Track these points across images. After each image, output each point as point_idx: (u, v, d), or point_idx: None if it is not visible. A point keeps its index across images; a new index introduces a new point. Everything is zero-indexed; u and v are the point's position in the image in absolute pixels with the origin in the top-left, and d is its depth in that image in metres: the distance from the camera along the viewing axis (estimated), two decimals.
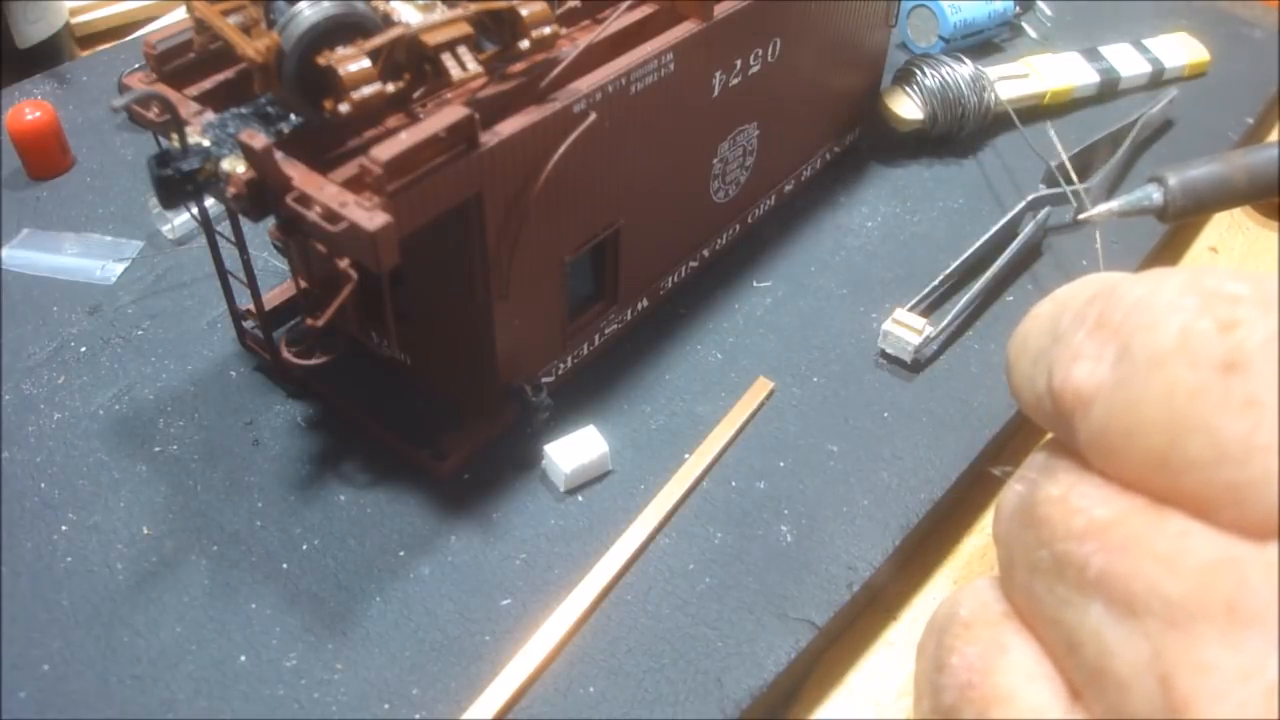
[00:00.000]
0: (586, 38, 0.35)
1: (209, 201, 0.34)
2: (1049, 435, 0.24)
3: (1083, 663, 0.20)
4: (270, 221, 0.31)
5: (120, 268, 0.47)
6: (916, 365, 0.43)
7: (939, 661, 0.23)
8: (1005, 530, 0.23)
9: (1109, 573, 0.19)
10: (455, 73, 0.31)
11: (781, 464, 0.39)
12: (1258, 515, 0.18)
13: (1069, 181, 0.48)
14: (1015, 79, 0.58)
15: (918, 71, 0.55)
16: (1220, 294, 0.20)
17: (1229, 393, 0.19)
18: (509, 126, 0.32)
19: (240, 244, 0.37)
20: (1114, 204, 0.42)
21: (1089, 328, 0.21)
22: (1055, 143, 0.49)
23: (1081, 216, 0.44)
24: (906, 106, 0.54)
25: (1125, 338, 0.20)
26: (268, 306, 0.41)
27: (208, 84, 0.34)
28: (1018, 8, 0.65)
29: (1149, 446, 0.19)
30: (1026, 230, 0.48)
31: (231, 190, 0.30)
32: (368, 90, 0.30)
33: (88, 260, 0.47)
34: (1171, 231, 0.53)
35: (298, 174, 0.30)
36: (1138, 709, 0.19)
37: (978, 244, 0.48)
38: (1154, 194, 0.40)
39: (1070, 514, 0.21)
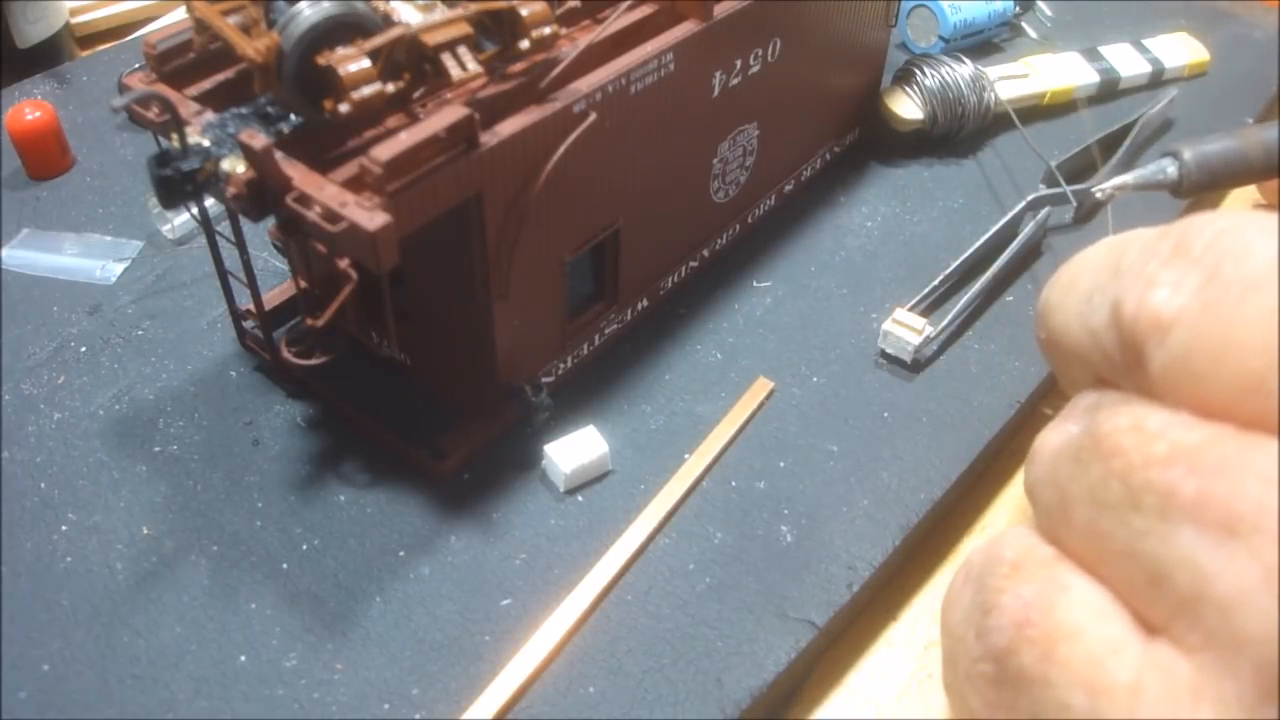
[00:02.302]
0: (586, 38, 0.35)
1: (209, 201, 0.34)
2: (1085, 387, 0.23)
3: (1171, 593, 0.19)
4: (270, 221, 0.31)
5: (120, 268, 0.47)
6: (916, 365, 0.43)
7: (985, 605, 0.22)
8: (1052, 473, 0.22)
9: (1205, 495, 0.19)
10: (455, 73, 0.31)
11: (781, 464, 0.39)
12: None
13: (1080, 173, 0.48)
14: (1015, 79, 0.58)
15: (918, 71, 0.55)
16: None
17: None
18: (509, 126, 0.32)
19: (240, 244, 0.37)
20: (1128, 177, 0.41)
21: (1163, 258, 0.21)
22: (1091, 118, 0.48)
23: (1096, 189, 0.44)
24: (906, 106, 0.54)
25: (1211, 264, 0.20)
26: (268, 306, 0.41)
27: (208, 84, 0.34)
28: (1018, 8, 0.65)
29: (1243, 370, 0.19)
30: (1026, 230, 0.48)
31: (231, 190, 0.30)
32: (368, 90, 0.30)
33: (88, 260, 0.47)
34: None
35: (298, 174, 0.30)
36: (1249, 629, 0.18)
37: (978, 244, 0.48)
38: (1169, 168, 0.40)
39: (1149, 440, 0.20)
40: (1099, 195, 0.43)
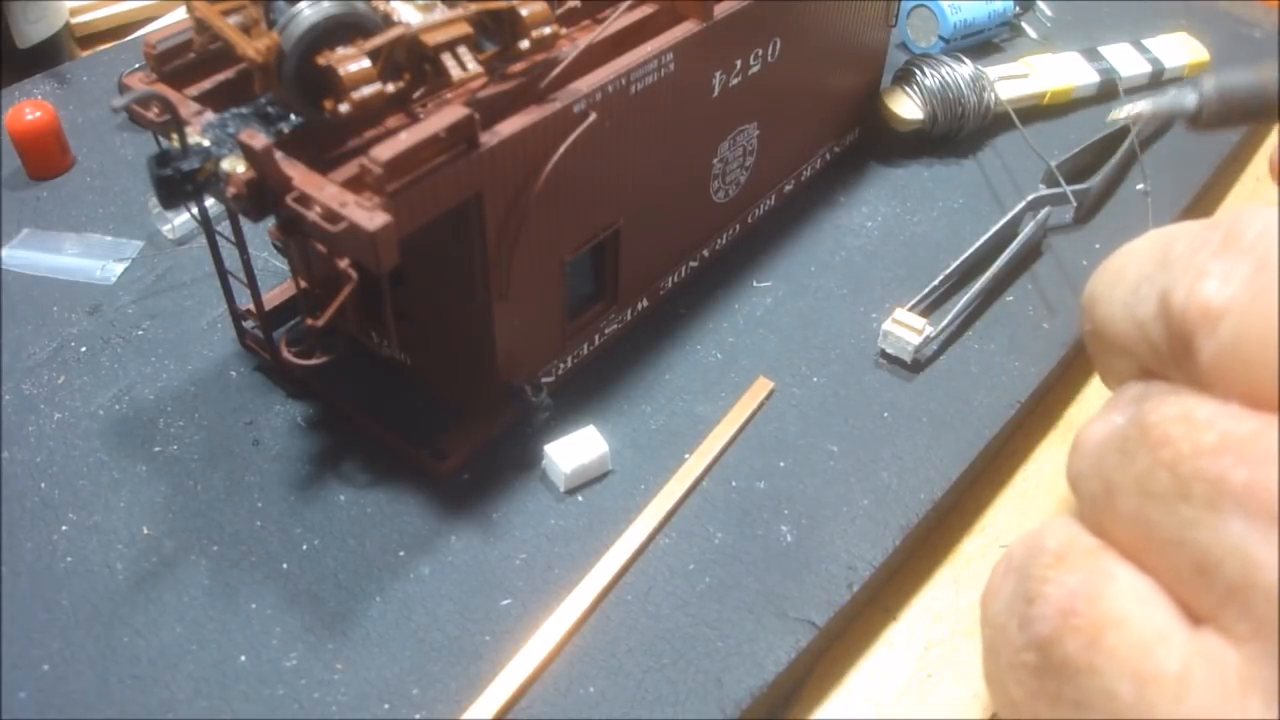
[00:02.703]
0: (586, 38, 0.35)
1: (209, 201, 0.34)
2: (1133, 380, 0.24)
3: (1219, 582, 0.19)
4: (270, 221, 0.31)
5: (120, 268, 0.47)
6: (916, 365, 0.43)
7: (1028, 595, 0.22)
8: (1096, 464, 0.22)
9: (1255, 484, 0.18)
10: (455, 73, 0.31)
11: (781, 464, 0.39)
12: None
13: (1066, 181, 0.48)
14: (1015, 79, 0.58)
15: (918, 71, 0.55)
16: None
17: None
18: (509, 126, 0.32)
19: (240, 244, 0.37)
20: (1146, 104, 0.41)
21: (1213, 249, 0.21)
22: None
23: (1111, 117, 0.44)
24: (906, 106, 0.54)
25: (1262, 253, 0.20)
26: (268, 306, 0.41)
27: (208, 84, 0.34)
28: (1018, 8, 0.65)
29: None
30: (1026, 230, 0.48)
31: (231, 190, 0.30)
32: (368, 90, 0.30)
33: (88, 260, 0.47)
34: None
35: (298, 174, 0.30)
36: None
37: (978, 244, 0.48)
38: (1188, 97, 0.39)
39: (1198, 430, 0.20)
40: (1119, 117, 0.42)
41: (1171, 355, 0.21)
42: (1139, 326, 0.22)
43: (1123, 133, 0.55)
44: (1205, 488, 0.19)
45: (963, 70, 0.54)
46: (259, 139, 0.29)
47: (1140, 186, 0.42)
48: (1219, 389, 0.20)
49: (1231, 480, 0.19)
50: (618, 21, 0.37)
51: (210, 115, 0.32)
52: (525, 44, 0.33)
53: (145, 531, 0.36)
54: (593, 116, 0.34)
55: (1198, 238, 0.21)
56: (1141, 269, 0.23)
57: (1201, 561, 0.19)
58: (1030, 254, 0.49)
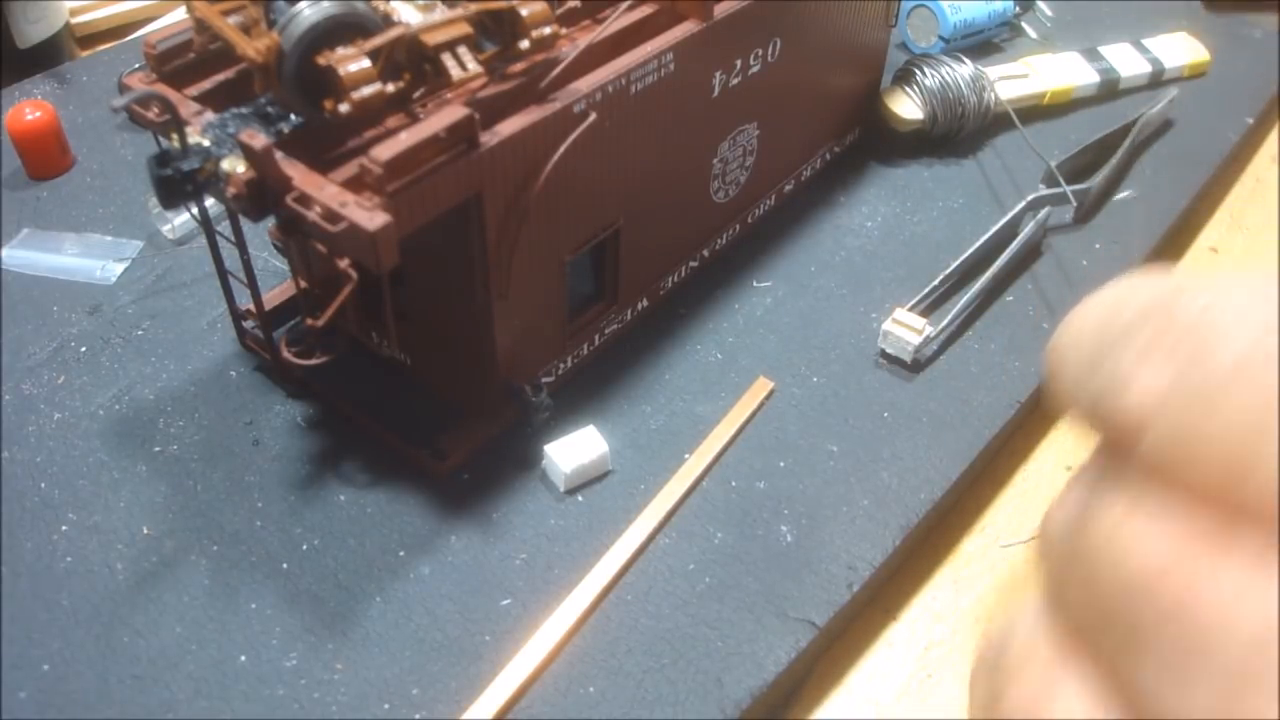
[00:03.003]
0: (586, 38, 0.35)
1: (209, 201, 0.34)
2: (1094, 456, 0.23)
3: (1149, 704, 0.18)
4: (270, 221, 0.31)
5: (120, 268, 0.47)
6: (916, 365, 0.43)
7: (994, 694, 0.23)
8: (1057, 547, 0.21)
9: (1167, 621, 0.17)
10: (455, 73, 0.31)
11: (781, 464, 0.39)
12: None
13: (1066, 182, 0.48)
14: (1015, 79, 0.58)
15: (918, 71, 0.55)
16: None
17: None
18: (509, 126, 0.32)
19: (240, 244, 0.37)
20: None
21: (1153, 334, 0.19)
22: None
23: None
24: (906, 106, 0.54)
25: (1190, 349, 0.18)
26: (268, 306, 0.41)
27: (208, 84, 0.34)
28: (1018, 8, 0.65)
29: (1215, 467, 0.17)
30: (1026, 230, 0.48)
31: (231, 190, 0.30)
32: (368, 90, 0.30)
33: (88, 260, 0.47)
34: (1171, 231, 0.53)
35: (298, 174, 0.30)
36: None
37: (978, 244, 0.48)
38: None
39: (1126, 550, 0.19)
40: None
41: (1121, 446, 0.20)
42: (1090, 408, 0.21)
43: (1123, 132, 0.55)
44: (1128, 616, 0.19)
45: (963, 70, 0.54)
46: (259, 139, 0.29)
47: (1123, 194, 0.42)
48: (1157, 480, 0.19)
49: (1147, 613, 0.18)
50: (618, 21, 0.37)
51: (210, 115, 0.32)
52: (525, 44, 0.33)
53: (145, 531, 0.36)
54: (593, 116, 0.34)
55: (1132, 325, 0.20)
56: (1093, 342, 0.21)
57: (1133, 685, 0.19)
58: (1030, 254, 0.49)
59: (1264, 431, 0.17)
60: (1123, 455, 0.20)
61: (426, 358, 0.40)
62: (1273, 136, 0.63)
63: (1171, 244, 0.54)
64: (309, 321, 0.33)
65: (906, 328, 0.43)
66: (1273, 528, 0.17)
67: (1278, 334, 0.17)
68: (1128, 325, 0.20)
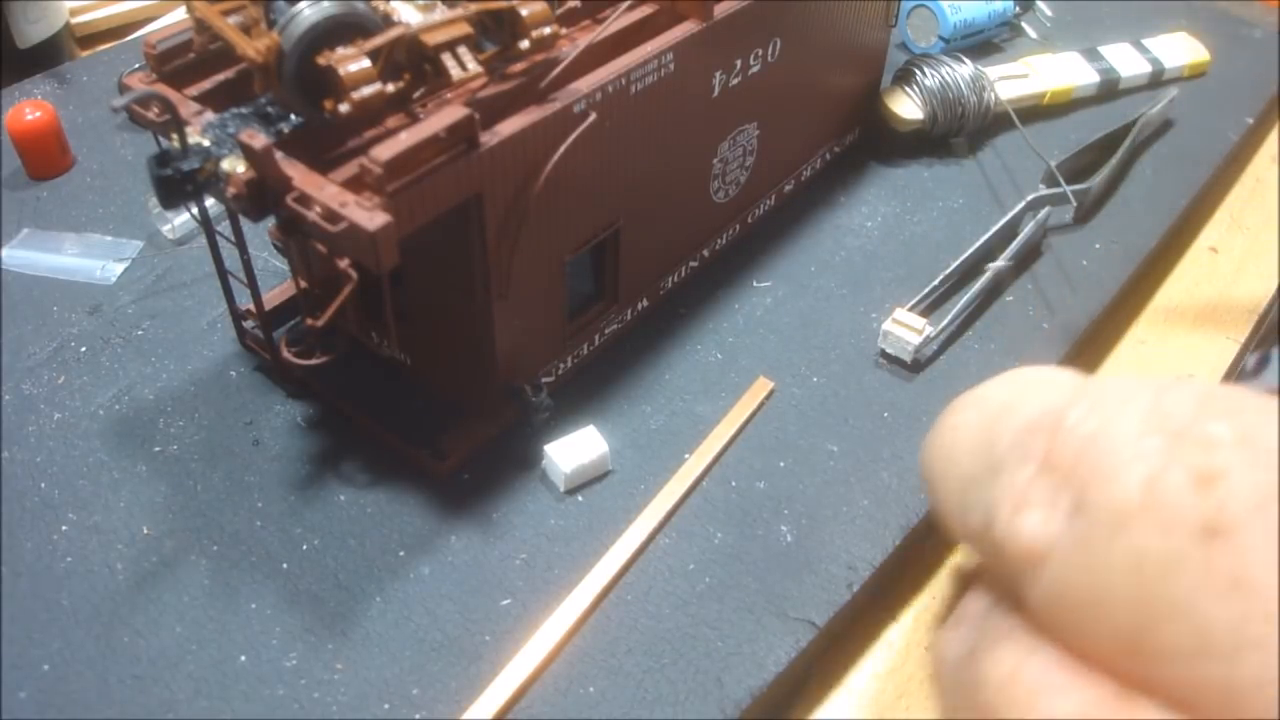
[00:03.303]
0: (586, 38, 0.35)
1: (209, 201, 0.34)
2: (981, 586, 0.20)
3: None
4: (270, 221, 0.31)
5: (120, 268, 0.47)
6: (916, 365, 0.43)
7: None
8: (945, 684, 0.20)
9: None
10: (455, 73, 0.31)
11: (781, 464, 0.39)
12: None
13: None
14: (1015, 79, 0.58)
15: (918, 71, 0.55)
16: (1192, 437, 0.16)
17: (1211, 567, 0.15)
18: (509, 126, 0.32)
19: (240, 244, 0.37)
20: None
21: (1036, 468, 0.18)
22: None
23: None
24: (906, 106, 0.54)
25: (1080, 485, 0.17)
26: (268, 306, 0.41)
27: (208, 84, 0.34)
28: (1018, 8, 0.65)
29: (1116, 626, 0.16)
30: (1026, 230, 0.48)
31: (231, 190, 0.30)
32: (368, 90, 0.30)
33: (88, 260, 0.47)
34: (1171, 231, 0.53)
35: (298, 174, 0.30)
36: None
37: (978, 244, 0.48)
38: None
39: (1023, 704, 0.17)
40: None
41: (1004, 579, 0.19)
42: (971, 537, 0.20)
43: (1123, 132, 0.55)
44: None
45: (963, 70, 0.54)
46: (259, 139, 0.29)
47: (1032, 312, 0.42)
48: (1049, 632, 0.18)
49: None
50: (618, 21, 0.37)
51: (210, 115, 0.32)
52: (525, 44, 0.33)
53: (145, 531, 0.36)
54: (593, 116, 0.34)
55: (1019, 442, 0.19)
56: (968, 463, 0.20)
57: None
58: (1030, 254, 0.49)
59: (1153, 604, 0.15)
60: (1011, 586, 0.18)
61: (426, 358, 0.40)
62: (1273, 136, 0.63)
63: (1171, 244, 0.54)
64: (309, 321, 0.33)
65: (906, 328, 0.43)
66: (1172, 704, 0.15)
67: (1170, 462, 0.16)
68: (1016, 442, 0.19)
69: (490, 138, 0.31)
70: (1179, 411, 0.17)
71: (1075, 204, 0.50)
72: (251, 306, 0.39)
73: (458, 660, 0.33)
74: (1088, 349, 0.47)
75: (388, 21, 0.31)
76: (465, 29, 0.31)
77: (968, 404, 0.21)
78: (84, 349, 0.43)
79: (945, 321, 0.44)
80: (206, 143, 0.30)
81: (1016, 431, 0.19)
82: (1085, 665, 0.17)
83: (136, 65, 0.35)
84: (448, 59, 0.31)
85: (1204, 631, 0.15)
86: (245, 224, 0.36)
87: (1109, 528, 0.16)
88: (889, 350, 0.43)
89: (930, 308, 0.46)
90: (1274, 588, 0.15)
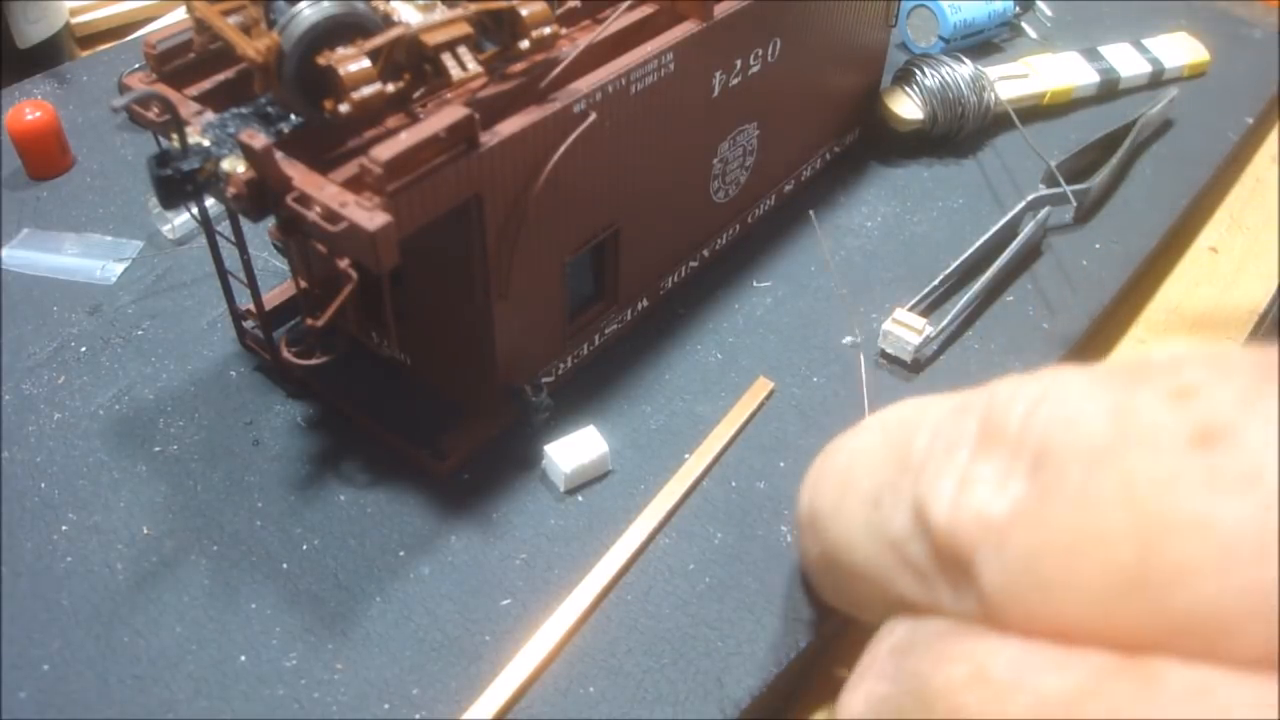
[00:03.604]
0: (586, 38, 0.35)
1: (209, 201, 0.34)
2: (890, 620, 0.18)
3: None
4: (270, 221, 0.31)
5: (120, 268, 0.47)
6: (916, 365, 0.43)
7: None
8: None
9: None
10: (455, 73, 0.31)
11: (781, 464, 0.39)
12: None
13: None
14: (1015, 79, 0.58)
15: (918, 71, 0.55)
16: (1146, 366, 0.15)
17: (1216, 470, 0.14)
18: (509, 126, 0.32)
19: (240, 244, 0.37)
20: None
21: (972, 445, 0.17)
22: None
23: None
24: (906, 106, 0.54)
25: (1036, 443, 0.16)
26: (268, 306, 0.41)
27: (208, 84, 0.34)
28: (1018, 8, 0.65)
29: (1110, 566, 0.14)
30: (1026, 230, 0.48)
31: (231, 190, 0.30)
32: (368, 90, 0.30)
33: (88, 260, 0.47)
34: (1171, 231, 0.53)
35: (298, 174, 0.30)
36: None
37: (978, 244, 0.48)
38: None
39: (1001, 696, 0.15)
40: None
41: (944, 579, 0.17)
42: (892, 549, 0.18)
43: (1123, 132, 0.55)
44: None
45: (963, 70, 0.54)
46: (259, 139, 0.29)
47: (848, 340, 0.42)
48: (1013, 619, 0.16)
49: None
50: (618, 21, 0.37)
51: (210, 115, 0.32)
52: (525, 44, 0.33)
53: (145, 531, 0.36)
54: (593, 116, 0.34)
55: (945, 429, 0.18)
56: (877, 475, 0.19)
57: None
58: (1030, 254, 0.49)
59: (1155, 525, 0.14)
60: (957, 584, 0.16)
61: (426, 358, 0.40)
62: (1273, 136, 0.63)
63: (1171, 244, 0.54)
64: (309, 321, 0.33)
65: (906, 328, 0.43)
66: (1187, 650, 0.14)
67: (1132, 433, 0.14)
68: (939, 431, 0.17)
69: (490, 138, 0.31)
70: (1118, 362, 0.16)
71: (1075, 204, 0.50)
72: (251, 306, 0.39)
73: (458, 660, 0.33)
74: (1088, 349, 0.47)
75: (388, 21, 0.31)
76: (465, 29, 0.31)
77: (856, 431, 0.20)
78: (84, 349, 0.43)
79: (945, 321, 0.44)
80: (206, 143, 0.30)
81: (935, 421, 0.18)
82: (1063, 642, 0.15)
83: (136, 65, 0.35)
84: (448, 59, 0.31)
85: (1224, 537, 0.14)
86: (245, 224, 0.36)
87: (1085, 468, 0.15)
88: (889, 350, 0.43)
89: (930, 308, 0.46)
90: None
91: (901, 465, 0.18)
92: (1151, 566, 0.14)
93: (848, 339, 0.42)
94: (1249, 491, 0.14)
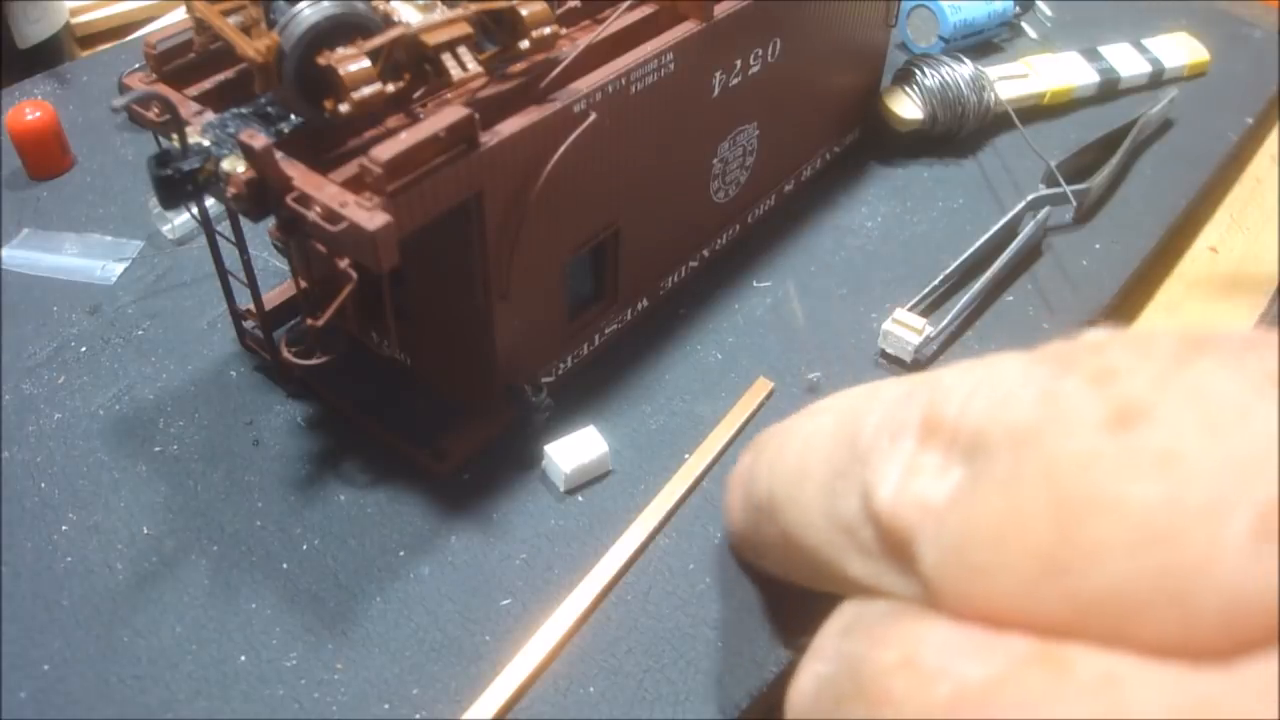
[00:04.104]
0: (586, 38, 0.35)
1: (209, 201, 0.34)
2: (844, 603, 0.18)
3: None
4: (270, 221, 0.31)
5: (120, 268, 0.47)
6: (916, 365, 0.43)
7: None
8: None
9: None
10: (455, 73, 0.31)
11: None
12: (1211, 617, 0.13)
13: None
14: (1015, 79, 0.58)
15: (918, 71, 0.55)
16: (1075, 350, 0.16)
17: (1131, 451, 0.14)
18: (509, 126, 0.32)
19: (240, 244, 0.37)
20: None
21: (917, 434, 0.17)
22: None
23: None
24: (906, 106, 0.54)
25: (970, 431, 0.16)
26: (268, 306, 0.41)
27: (208, 84, 0.34)
28: (1018, 8, 0.65)
29: (1031, 548, 0.14)
30: (1026, 230, 0.48)
31: (231, 190, 0.30)
32: (368, 90, 0.30)
33: (88, 260, 0.47)
34: (1171, 231, 0.53)
35: (298, 174, 0.30)
36: None
37: (978, 244, 0.48)
38: None
39: (924, 684, 0.15)
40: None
41: (891, 564, 0.17)
42: (845, 532, 0.18)
43: (1123, 132, 0.55)
44: None
45: (963, 70, 0.54)
46: (259, 139, 0.29)
47: (812, 376, 0.42)
48: (949, 601, 0.16)
49: None
50: (618, 21, 0.37)
51: (210, 115, 0.32)
52: (525, 44, 0.33)
53: (145, 531, 0.36)
54: (593, 116, 0.34)
55: (891, 416, 0.18)
56: (830, 461, 0.19)
57: None
58: (1030, 254, 0.49)
59: (1073, 506, 0.14)
60: (897, 566, 0.17)
61: (427, 358, 0.40)
62: (1273, 136, 0.63)
63: (1171, 244, 0.54)
64: (309, 321, 0.33)
65: (906, 328, 0.43)
66: (1103, 635, 0.14)
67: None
68: (886, 419, 0.17)
69: (490, 138, 0.31)
70: (1055, 346, 0.17)
71: (1075, 204, 0.50)
72: (251, 306, 0.39)
73: (458, 660, 0.33)
74: None
75: (388, 21, 0.31)
76: (465, 29, 0.31)
77: (809, 416, 0.20)
78: (84, 349, 0.43)
79: (945, 321, 0.44)
80: (206, 143, 0.30)
81: (884, 408, 0.18)
82: (993, 626, 0.15)
83: (136, 65, 0.35)
84: (448, 59, 0.31)
85: (1138, 517, 0.14)
86: (245, 224, 0.36)
87: (1011, 451, 0.15)
88: (889, 350, 0.43)
89: (930, 308, 0.46)
90: (1205, 455, 0.13)
91: (852, 451, 0.18)
92: (1068, 548, 0.14)
93: (812, 375, 0.42)
94: (1163, 472, 0.14)
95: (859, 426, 0.18)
